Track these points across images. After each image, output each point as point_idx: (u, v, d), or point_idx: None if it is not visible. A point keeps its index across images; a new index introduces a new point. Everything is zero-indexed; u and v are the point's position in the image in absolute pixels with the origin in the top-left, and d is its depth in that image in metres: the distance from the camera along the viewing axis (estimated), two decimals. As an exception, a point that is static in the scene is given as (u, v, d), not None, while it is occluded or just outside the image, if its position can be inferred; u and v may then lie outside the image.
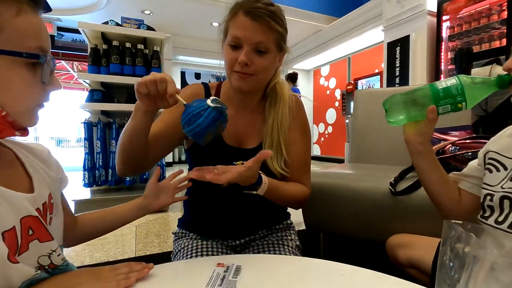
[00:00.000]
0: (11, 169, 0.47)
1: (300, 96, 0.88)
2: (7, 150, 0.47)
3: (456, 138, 1.15)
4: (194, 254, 0.76)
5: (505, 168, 0.59)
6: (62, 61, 7.88)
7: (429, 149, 0.66)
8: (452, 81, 0.58)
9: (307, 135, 0.86)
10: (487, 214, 0.59)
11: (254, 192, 0.67)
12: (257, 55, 0.70)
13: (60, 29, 6.17)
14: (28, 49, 0.40)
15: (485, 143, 0.68)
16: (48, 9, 0.44)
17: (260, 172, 0.68)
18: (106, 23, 2.47)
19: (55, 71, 0.46)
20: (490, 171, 0.61)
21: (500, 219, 0.56)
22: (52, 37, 6.05)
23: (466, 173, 0.70)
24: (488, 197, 0.59)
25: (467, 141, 1.10)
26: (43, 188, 0.49)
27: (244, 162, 0.65)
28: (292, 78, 4.58)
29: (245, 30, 0.68)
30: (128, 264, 0.50)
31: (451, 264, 0.35)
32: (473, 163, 0.69)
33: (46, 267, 0.45)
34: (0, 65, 0.39)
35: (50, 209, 0.49)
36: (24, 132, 0.44)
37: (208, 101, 0.56)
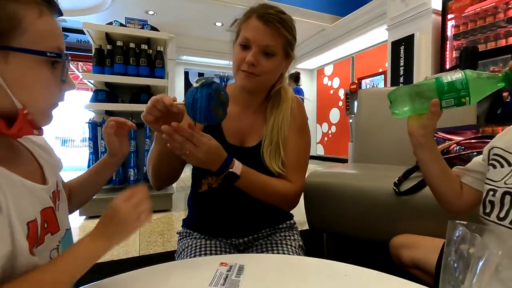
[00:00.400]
0: (30, 164, 0.48)
1: (303, 99, 0.89)
2: (22, 146, 0.49)
3: (461, 138, 1.14)
4: (197, 253, 0.77)
5: (509, 164, 0.59)
6: (67, 61, 7.97)
7: (431, 142, 0.67)
8: (457, 75, 0.58)
9: (305, 135, 0.86)
10: (488, 210, 0.59)
11: (231, 170, 0.68)
12: (264, 57, 0.73)
13: (65, 29, 6.22)
14: (48, 49, 0.42)
15: None
16: (60, 13, 0.46)
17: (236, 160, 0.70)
18: (110, 23, 2.48)
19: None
20: (494, 167, 0.61)
21: (501, 215, 0.56)
22: (57, 37, 6.11)
23: (469, 168, 0.70)
24: (491, 193, 0.59)
25: (472, 141, 1.09)
26: (52, 177, 0.50)
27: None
28: (295, 78, 4.59)
29: (255, 32, 0.72)
30: (135, 190, 0.48)
31: (456, 265, 0.35)
32: (478, 159, 0.70)
33: None
34: (23, 64, 0.40)
35: (58, 196, 0.51)
36: (40, 131, 0.46)
37: (194, 85, 0.59)
